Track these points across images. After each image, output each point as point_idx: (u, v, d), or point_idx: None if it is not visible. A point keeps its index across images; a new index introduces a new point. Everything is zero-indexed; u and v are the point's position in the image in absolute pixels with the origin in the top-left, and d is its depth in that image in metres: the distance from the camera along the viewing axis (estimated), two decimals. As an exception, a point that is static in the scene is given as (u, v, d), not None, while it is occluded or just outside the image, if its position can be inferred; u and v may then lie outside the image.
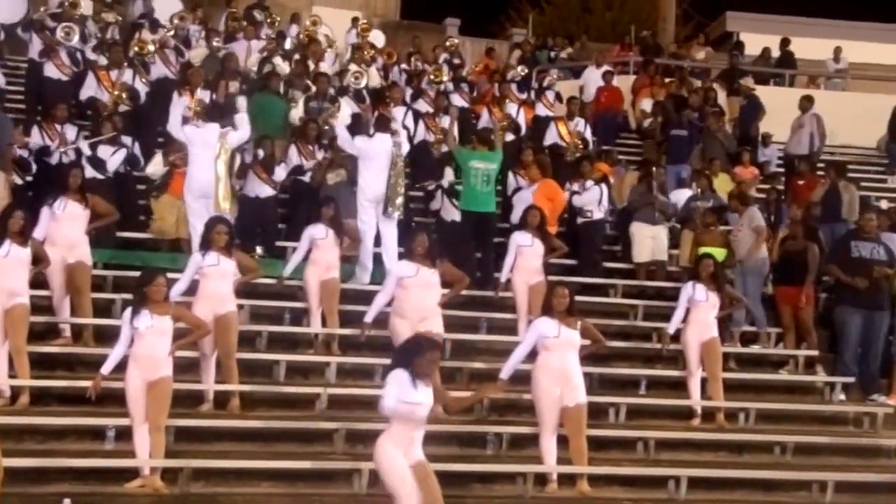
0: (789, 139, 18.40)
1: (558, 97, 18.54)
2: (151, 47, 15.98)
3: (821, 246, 13.39)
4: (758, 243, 13.21)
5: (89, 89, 14.78)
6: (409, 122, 15.32)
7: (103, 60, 15.66)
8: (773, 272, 13.37)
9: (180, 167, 12.78)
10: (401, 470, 7.55)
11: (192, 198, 12.27)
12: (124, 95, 14.45)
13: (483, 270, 13.03)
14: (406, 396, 7.50)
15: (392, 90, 16.27)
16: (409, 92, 17.96)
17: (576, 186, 14.37)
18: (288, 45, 18.72)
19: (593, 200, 14.20)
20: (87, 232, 11.11)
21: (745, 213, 13.51)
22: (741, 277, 13.25)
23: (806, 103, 18.30)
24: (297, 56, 17.43)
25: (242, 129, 12.53)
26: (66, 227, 10.85)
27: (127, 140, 13.39)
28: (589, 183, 14.34)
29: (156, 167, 13.30)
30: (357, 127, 14.01)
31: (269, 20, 19.16)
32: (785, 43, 23.91)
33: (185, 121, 12.63)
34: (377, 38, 20.65)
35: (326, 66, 17.56)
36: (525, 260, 12.02)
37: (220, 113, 13.03)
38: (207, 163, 12.20)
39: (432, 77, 17.50)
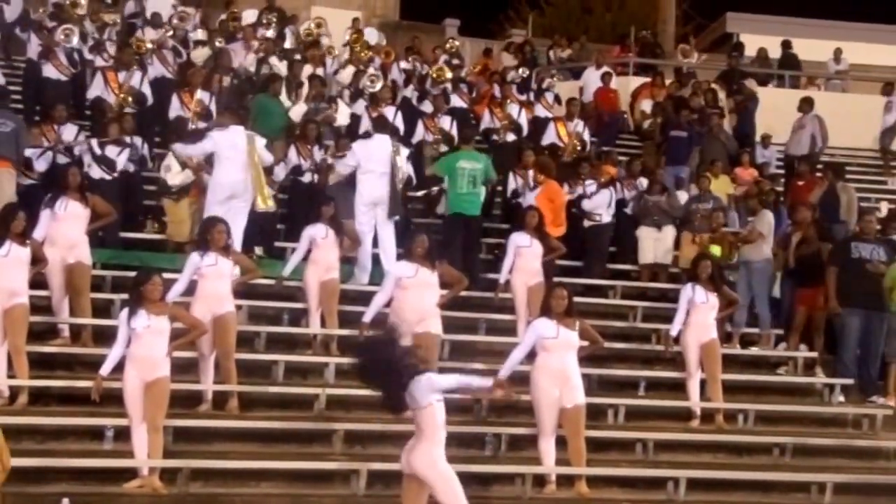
0: (789, 140, 18.39)
1: (557, 99, 18.54)
2: (150, 45, 15.95)
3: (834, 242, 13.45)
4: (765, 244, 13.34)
5: (96, 89, 14.74)
6: (399, 122, 15.17)
7: (100, 61, 15.64)
8: (791, 275, 13.36)
9: (202, 170, 12.43)
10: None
11: (217, 201, 11.79)
12: (130, 98, 14.40)
13: (469, 272, 12.95)
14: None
15: (381, 90, 16.13)
16: (411, 92, 17.96)
17: (579, 189, 14.37)
18: (288, 44, 18.68)
19: (602, 204, 14.24)
20: (87, 232, 11.08)
21: (761, 215, 13.60)
22: (746, 278, 13.27)
23: (805, 106, 18.30)
24: (297, 57, 17.41)
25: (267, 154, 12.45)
26: (66, 226, 10.80)
27: (136, 140, 13.30)
28: (592, 186, 14.34)
29: (184, 176, 12.72)
30: (356, 128, 13.95)
31: (265, 21, 19.16)
32: (787, 45, 23.89)
33: (185, 122, 12.57)
34: (371, 36, 20.59)
35: (322, 70, 17.54)
36: (524, 261, 12.00)
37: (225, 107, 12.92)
38: (236, 165, 11.86)
39: (434, 77, 17.46)
